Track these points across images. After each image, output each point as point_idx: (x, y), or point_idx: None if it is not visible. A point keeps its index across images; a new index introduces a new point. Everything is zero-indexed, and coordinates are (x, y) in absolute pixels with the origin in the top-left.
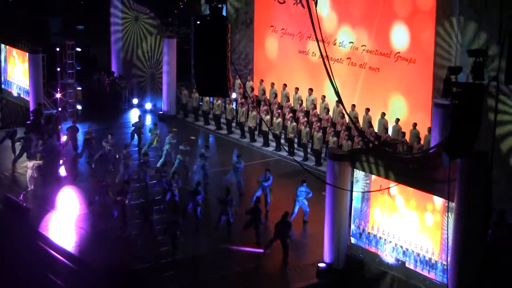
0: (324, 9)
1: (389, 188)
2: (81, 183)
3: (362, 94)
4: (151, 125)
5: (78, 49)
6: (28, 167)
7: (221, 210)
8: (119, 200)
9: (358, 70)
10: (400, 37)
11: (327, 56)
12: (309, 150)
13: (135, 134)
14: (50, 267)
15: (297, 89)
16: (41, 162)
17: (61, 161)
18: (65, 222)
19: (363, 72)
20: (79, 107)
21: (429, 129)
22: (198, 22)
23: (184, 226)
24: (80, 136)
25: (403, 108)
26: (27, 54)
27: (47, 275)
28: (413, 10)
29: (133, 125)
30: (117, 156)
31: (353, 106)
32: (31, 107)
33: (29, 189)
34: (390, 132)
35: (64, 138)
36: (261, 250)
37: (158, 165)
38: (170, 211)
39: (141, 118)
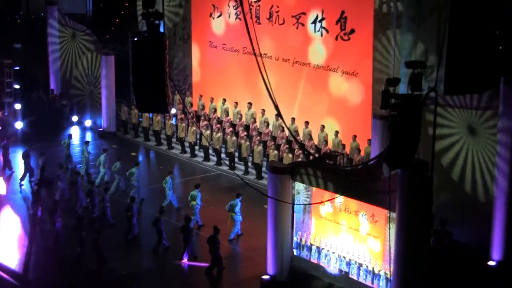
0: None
1: (330, 200)
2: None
3: (302, 107)
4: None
5: (16, 68)
6: None
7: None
8: (52, 219)
9: (297, 83)
10: (340, 51)
11: (265, 69)
12: (250, 164)
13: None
14: None
15: (236, 103)
16: None
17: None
18: (7, 239)
19: (302, 86)
20: (18, 125)
21: (369, 141)
22: (136, 39)
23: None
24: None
25: (343, 121)
26: None
27: None
28: (352, 25)
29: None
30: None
31: (293, 119)
32: None
33: None
34: (330, 145)
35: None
36: (206, 264)
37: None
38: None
39: (70, 137)
